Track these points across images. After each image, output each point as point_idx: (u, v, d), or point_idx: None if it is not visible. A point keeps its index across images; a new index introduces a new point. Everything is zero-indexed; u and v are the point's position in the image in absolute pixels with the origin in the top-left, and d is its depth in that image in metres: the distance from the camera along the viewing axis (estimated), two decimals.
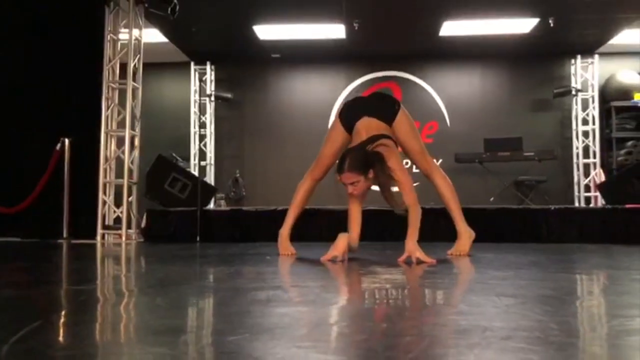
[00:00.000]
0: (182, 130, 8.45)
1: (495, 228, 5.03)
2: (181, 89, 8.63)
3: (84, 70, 5.45)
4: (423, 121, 8.52)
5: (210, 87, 8.45)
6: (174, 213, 5.16)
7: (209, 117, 8.52)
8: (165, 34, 7.42)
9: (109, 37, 5.37)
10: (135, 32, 5.48)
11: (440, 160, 8.41)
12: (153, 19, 6.21)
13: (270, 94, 8.72)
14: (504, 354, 1.02)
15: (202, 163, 8.30)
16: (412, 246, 2.81)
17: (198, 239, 5.00)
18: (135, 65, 5.35)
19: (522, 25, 7.24)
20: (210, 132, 8.51)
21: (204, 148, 8.44)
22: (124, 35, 5.54)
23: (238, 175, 8.48)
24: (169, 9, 5.42)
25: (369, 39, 7.67)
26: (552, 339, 1.12)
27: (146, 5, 5.53)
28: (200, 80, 7.90)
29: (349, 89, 8.77)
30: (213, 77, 8.51)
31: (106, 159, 5.28)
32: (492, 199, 7.59)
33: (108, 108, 5.34)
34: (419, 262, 2.74)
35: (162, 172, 5.27)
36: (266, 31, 7.44)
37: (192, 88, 8.44)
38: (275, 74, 8.75)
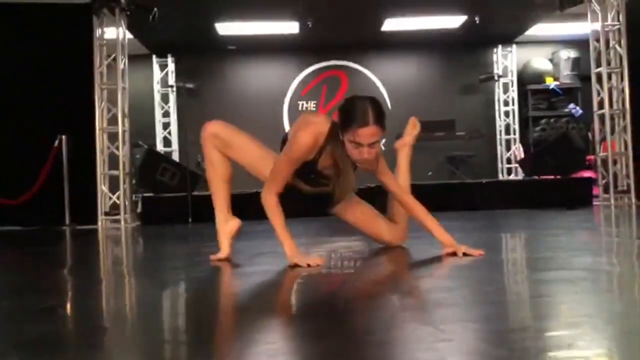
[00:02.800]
0: (147, 119, 9.04)
1: (439, 200, 6.14)
2: (143, 80, 9.18)
3: (74, 74, 6.05)
4: None
5: (171, 78, 9.06)
6: (166, 199, 5.92)
7: (172, 106, 9.15)
8: (130, 30, 7.97)
9: (97, 43, 5.97)
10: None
11: (384, 140, 9.49)
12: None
13: (227, 84, 9.43)
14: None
15: (167, 149, 8.96)
16: (451, 240, 2.47)
17: (190, 220, 5.79)
18: (123, 67, 5.98)
19: (452, 21, 8.31)
20: (174, 120, 9.15)
21: (168, 135, 9.09)
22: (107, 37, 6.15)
23: (200, 160, 9.18)
24: (151, 17, 6.08)
25: (319, 33, 8.52)
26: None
27: (128, 13, 6.14)
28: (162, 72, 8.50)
29: (300, 77, 9.61)
30: (174, 69, 9.11)
31: (102, 153, 5.93)
32: (430, 173, 8.73)
33: (100, 107, 5.98)
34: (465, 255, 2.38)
35: (153, 163, 5.98)
36: (226, 27, 8.14)
37: (155, 79, 9.02)
38: (232, 64, 9.46)
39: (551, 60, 9.58)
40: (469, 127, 9.06)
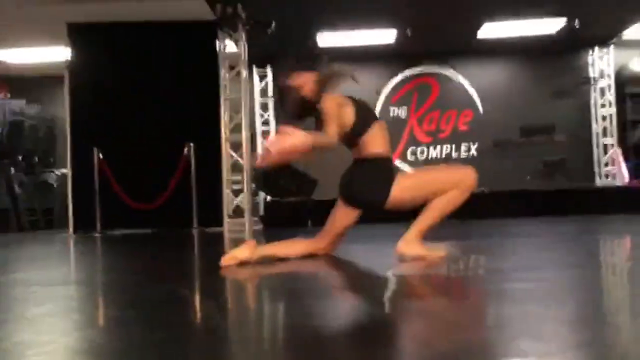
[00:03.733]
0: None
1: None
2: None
3: (199, 86, 6.46)
4: (459, 110, 9.63)
5: (270, 88, 9.43)
6: (287, 203, 6.22)
7: (271, 115, 9.52)
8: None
9: (222, 56, 6.36)
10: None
11: (476, 144, 9.56)
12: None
13: None
14: None
15: None
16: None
17: (309, 223, 6.07)
18: (245, 79, 6.35)
19: (551, 25, 8.29)
20: (273, 129, 9.51)
21: None
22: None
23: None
24: (269, 30, 6.42)
25: (414, 41, 8.68)
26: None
27: (247, 28, 6.50)
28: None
29: (391, 84, 9.80)
30: (271, 79, 9.49)
31: (226, 159, 6.30)
32: (528, 177, 8.73)
33: (224, 116, 6.36)
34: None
35: (277, 170, 6.28)
36: (325, 38, 8.42)
37: (255, 90, 9.41)
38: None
39: None
40: (566, 131, 9.00)
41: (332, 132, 2.77)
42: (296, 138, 2.53)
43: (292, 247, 3.11)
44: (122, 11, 6.35)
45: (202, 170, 6.34)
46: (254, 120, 9.48)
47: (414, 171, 3.04)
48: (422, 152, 9.72)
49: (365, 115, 2.95)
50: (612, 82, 9.42)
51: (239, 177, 6.35)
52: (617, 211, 5.97)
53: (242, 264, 2.86)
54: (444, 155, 9.66)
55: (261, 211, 6.29)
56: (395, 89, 9.86)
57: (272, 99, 9.45)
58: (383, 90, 9.78)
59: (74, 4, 6.40)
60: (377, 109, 9.82)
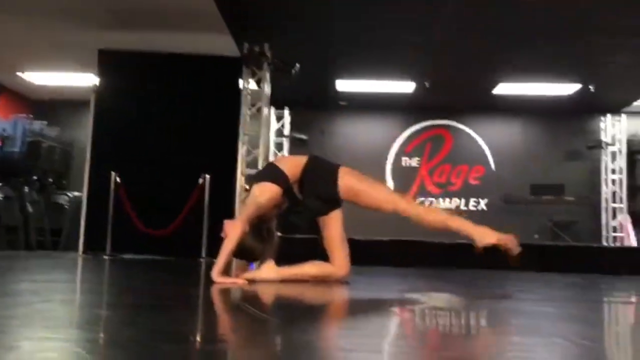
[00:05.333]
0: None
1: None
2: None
3: (219, 120, 6.62)
4: (471, 165, 9.75)
5: (286, 129, 9.60)
6: (297, 240, 6.24)
7: (286, 155, 9.65)
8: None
9: (245, 92, 6.53)
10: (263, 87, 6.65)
11: (486, 200, 9.62)
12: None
13: (337, 137, 9.86)
14: None
15: None
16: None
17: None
18: (266, 116, 6.49)
19: (566, 88, 8.48)
20: None
21: None
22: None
23: None
24: (293, 71, 6.61)
25: (431, 93, 8.87)
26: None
27: (271, 66, 6.69)
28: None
29: (406, 134, 9.96)
30: (289, 120, 9.67)
31: (240, 192, 6.38)
32: (536, 236, 8.75)
33: (242, 150, 6.47)
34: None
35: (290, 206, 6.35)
36: (345, 84, 8.63)
37: (272, 129, 9.59)
38: (343, 119, 9.92)
39: None
40: (575, 192, 9.08)
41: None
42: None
43: (309, 269, 3.30)
44: (153, 40, 6.58)
45: (215, 202, 6.41)
46: (269, 157, 9.62)
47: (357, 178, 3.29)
48: (431, 204, 9.77)
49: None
50: (623, 147, 9.54)
51: None
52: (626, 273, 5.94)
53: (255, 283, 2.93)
54: (453, 208, 9.71)
55: None
56: (409, 138, 10.01)
57: (287, 139, 9.62)
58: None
59: (107, 31, 6.64)
60: (390, 159, 9.94)
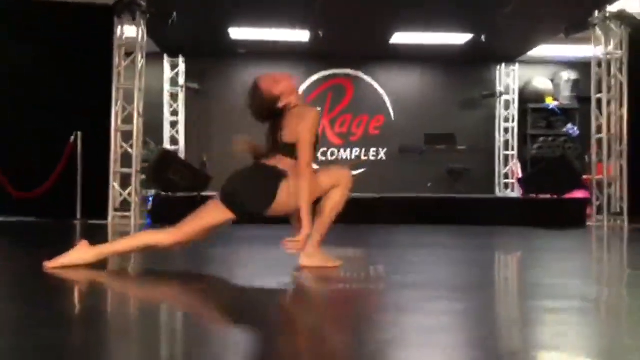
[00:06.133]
0: (155, 117, 9.18)
1: (439, 213, 6.38)
2: (153, 78, 9.33)
3: (91, 73, 6.22)
4: (371, 115, 9.77)
5: (181, 78, 9.23)
6: (177, 198, 6.09)
7: (181, 106, 9.32)
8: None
9: (117, 44, 6.14)
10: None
11: (385, 150, 9.72)
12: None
13: (234, 86, 9.57)
14: None
15: (174, 147, 9.13)
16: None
17: None
18: (141, 68, 6.16)
19: (459, 38, 8.53)
20: (182, 119, 9.32)
21: (176, 134, 9.26)
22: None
23: (205, 159, 9.36)
24: (170, 21, 6.26)
25: (328, 42, 8.70)
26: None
27: (147, 16, 6.31)
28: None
29: (306, 84, 9.80)
30: (184, 69, 9.28)
31: (115, 151, 6.10)
32: (429, 184, 8.95)
33: (116, 106, 6.15)
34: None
35: (166, 163, 6.16)
36: (238, 32, 8.32)
37: (165, 79, 9.19)
38: (240, 68, 9.60)
39: (552, 80, 9.82)
40: (469, 141, 9.29)
41: (307, 159, 2.74)
42: (303, 237, 2.67)
43: (135, 240, 2.90)
44: None
45: (89, 161, 6.11)
46: (162, 110, 9.26)
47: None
48: (332, 154, 9.78)
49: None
50: (516, 97, 9.79)
51: (128, 170, 6.17)
52: (514, 223, 6.17)
53: (74, 267, 2.72)
54: (353, 158, 9.76)
55: (149, 205, 6.12)
56: (310, 88, 9.86)
57: (182, 89, 9.26)
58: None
59: None
60: None
